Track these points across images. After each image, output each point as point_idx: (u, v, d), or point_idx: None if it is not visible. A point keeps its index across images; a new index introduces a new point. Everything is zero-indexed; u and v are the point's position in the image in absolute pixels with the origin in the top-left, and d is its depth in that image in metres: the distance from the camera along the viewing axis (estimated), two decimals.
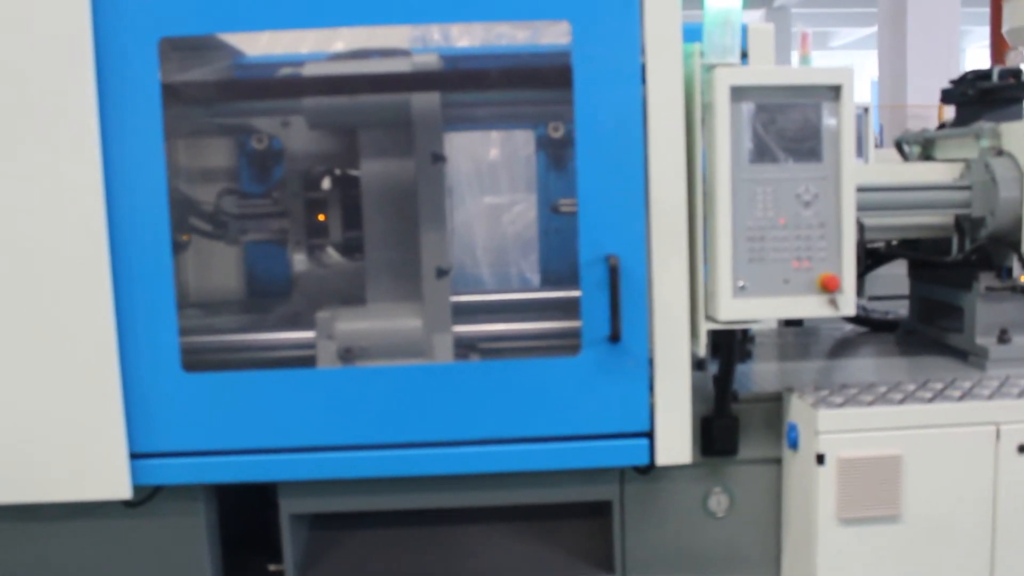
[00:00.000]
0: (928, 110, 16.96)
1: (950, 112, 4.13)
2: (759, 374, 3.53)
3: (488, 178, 4.46)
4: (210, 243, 3.70)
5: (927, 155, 4.03)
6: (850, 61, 35.49)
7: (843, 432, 2.94)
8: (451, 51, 3.89)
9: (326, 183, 3.57)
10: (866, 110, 8.56)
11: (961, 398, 3.03)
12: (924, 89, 17.53)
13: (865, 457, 2.93)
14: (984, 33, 17.69)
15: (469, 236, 4.39)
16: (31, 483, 2.97)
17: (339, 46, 3.50)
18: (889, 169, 3.68)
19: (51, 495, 2.98)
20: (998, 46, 13.33)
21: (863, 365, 3.77)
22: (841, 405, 2.99)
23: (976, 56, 30.88)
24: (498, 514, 3.33)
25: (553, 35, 4.03)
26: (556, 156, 4.28)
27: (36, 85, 2.80)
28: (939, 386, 3.16)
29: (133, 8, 2.79)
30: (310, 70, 3.28)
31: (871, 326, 4.40)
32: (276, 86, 3.50)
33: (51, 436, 2.93)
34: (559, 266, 4.23)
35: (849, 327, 4.45)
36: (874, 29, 22.96)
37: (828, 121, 2.88)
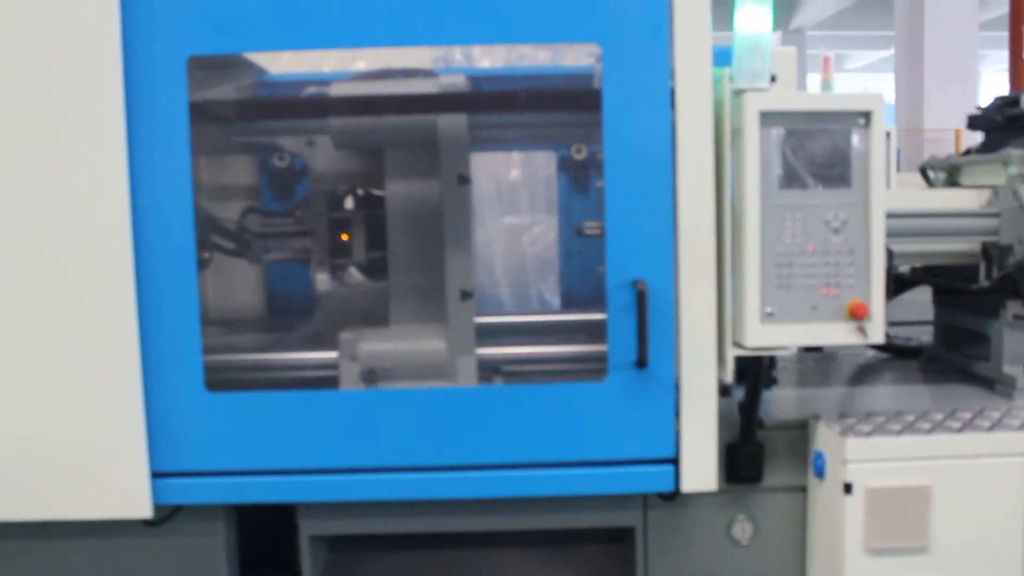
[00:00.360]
0: (945, 134, 16.95)
1: (969, 138, 4.11)
2: (781, 400, 3.50)
3: (508, 198, 4.46)
4: (231, 260, 3.69)
5: (953, 181, 3.99)
6: (866, 84, 35.53)
7: (871, 461, 2.91)
8: (475, 71, 3.90)
9: (349, 202, 3.56)
10: (888, 134, 8.52)
11: (991, 428, 2.99)
12: (941, 113, 17.52)
13: (893, 487, 2.90)
14: (1002, 57, 17.65)
15: (489, 256, 4.38)
16: (52, 500, 2.95)
17: (360, 64, 3.50)
18: (915, 195, 3.65)
19: (72, 513, 2.97)
20: (1017, 71, 13.32)
21: (887, 392, 3.74)
22: (869, 434, 2.95)
23: (993, 80, 30.85)
24: (520, 538, 3.30)
25: (575, 56, 4.03)
26: (578, 177, 4.27)
27: (64, 103, 2.81)
28: (967, 415, 3.12)
29: (162, 27, 2.80)
30: (337, 90, 3.27)
31: (894, 352, 4.36)
32: (303, 106, 3.50)
33: (72, 453, 2.92)
34: (580, 287, 4.21)
35: (871, 353, 4.42)
36: (890, 52, 22.99)
37: (857, 147, 2.86)
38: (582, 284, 4.22)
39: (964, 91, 17.75)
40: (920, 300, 4.28)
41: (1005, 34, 14.96)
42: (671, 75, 2.82)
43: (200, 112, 2.94)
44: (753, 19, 2.83)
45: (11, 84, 2.81)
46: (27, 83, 2.81)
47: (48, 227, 2.84)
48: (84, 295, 2.86)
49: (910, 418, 3.11)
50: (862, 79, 36.84)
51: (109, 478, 2.92)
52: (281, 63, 3.78)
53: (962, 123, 4.12)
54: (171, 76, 2.80)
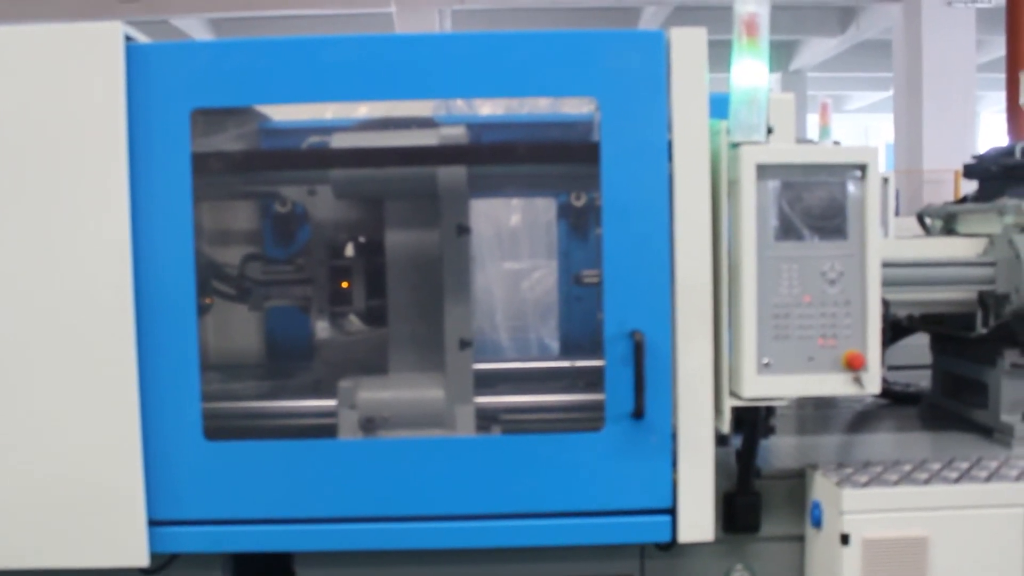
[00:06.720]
0: (944, 175, 17.03)
1: (968, 184, 4.14)
2: (779, 448, 3.50)
3: (508, 243, 4.48)
4: (231, 306, 3.71)
5: (949, 229, 4.02)
6: (865, 125, 35.66)
7: (868, 512, 2.91)
8: (476, 119, 3.93)
9: (350, 250, 3.58)
10: (886, 180, 8.54)
11: (988, 479, 2.99)
12: (940, 154, 17.61)
13: (890, 538, 2.90)
14: (999, 99, 17.79)
15: (488, 301, 4.39)
16: (47, 548, 2.94)
17: (363, 110, 3.53)
18: (912, 244, 3.67)
19: (67, 561, 2.96)
20: (1014, 115, 13.43)
21: (886, 440, 3.74)
22: (866, 484, 2.96)
23: (991, 121, 31.02)
24: None
25: (575, 104, 4.07)
26: (578, 224, 4.29)
27: (68, 152, 2.84)
28: (965, 465, 3.12)
29: (167, 80, 2.83)
30: (338, 141, 3.30)
31: (893, 399, 4.36)
32: (304, 157, 3.52)
33: (69, 501, 2.92)
34: (579, 333, 4.21)
35: (870, 399, 4.41)
36: (889, 93, 23.14)
37: (854, 199, 2.89)
38: (582, 330, 4.23)
39: (963, 132, 17.87)
40: (918, 344, 4.28)
41: (1003, 76, 15.09)
42: (668, 128, 2.85)
43: (202, 162, 2.97)
44: (749, 73, 2.87)
45: (16, 133, 2.84)
46: (31, 132, 2.84)
47: (50, 273, 2.86)
48: (83, 342, 2.87)
49: (907, 468, 3.11)
50: (862, 120, 37.04)
51: (105, 526, 2.92)
52: (283, 110, 3.82)
53: (961, 164, 4.15)
54: (174, 128, 2.84)
